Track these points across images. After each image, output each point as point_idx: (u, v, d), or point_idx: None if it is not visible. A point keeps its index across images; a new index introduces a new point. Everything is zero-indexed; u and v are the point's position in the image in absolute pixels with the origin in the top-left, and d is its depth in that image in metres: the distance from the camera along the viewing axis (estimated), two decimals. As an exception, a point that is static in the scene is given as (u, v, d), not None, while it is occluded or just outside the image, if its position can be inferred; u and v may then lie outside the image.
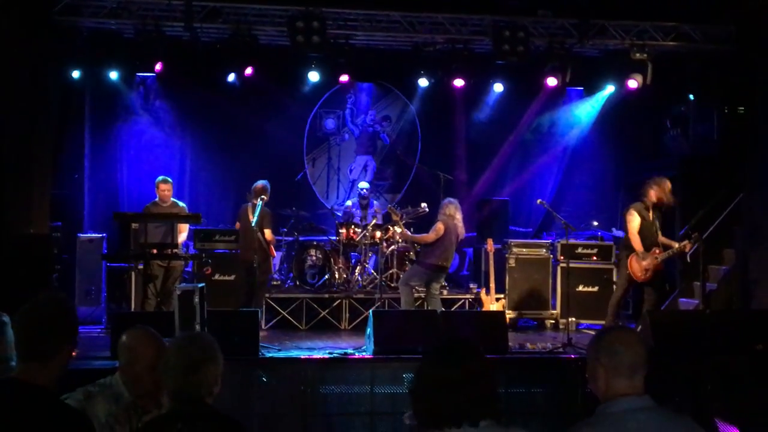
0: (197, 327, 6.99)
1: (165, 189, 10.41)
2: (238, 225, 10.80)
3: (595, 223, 13.09)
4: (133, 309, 10.27)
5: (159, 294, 9.46)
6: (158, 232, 9.90)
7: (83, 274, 11.27)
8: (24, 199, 9.93)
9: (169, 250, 9.36)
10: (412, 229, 11.33)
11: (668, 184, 9.56)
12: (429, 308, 10.25)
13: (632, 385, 3.00)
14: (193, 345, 3.31)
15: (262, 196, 10.09)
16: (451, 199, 10.62)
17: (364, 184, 13.19)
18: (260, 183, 10.31)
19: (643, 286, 9.73)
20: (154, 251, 9.28)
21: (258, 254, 10.17)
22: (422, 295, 10.64)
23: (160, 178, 10.58)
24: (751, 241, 10.30)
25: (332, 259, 11.81)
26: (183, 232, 10.43)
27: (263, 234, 10.22)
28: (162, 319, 7.81)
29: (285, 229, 12.30)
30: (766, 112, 10.18)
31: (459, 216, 10.34)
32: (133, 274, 10.45)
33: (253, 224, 9.98)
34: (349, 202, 13.36)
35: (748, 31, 10.80)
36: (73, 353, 3.35)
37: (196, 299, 7.14)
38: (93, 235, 11.57)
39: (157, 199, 10.40)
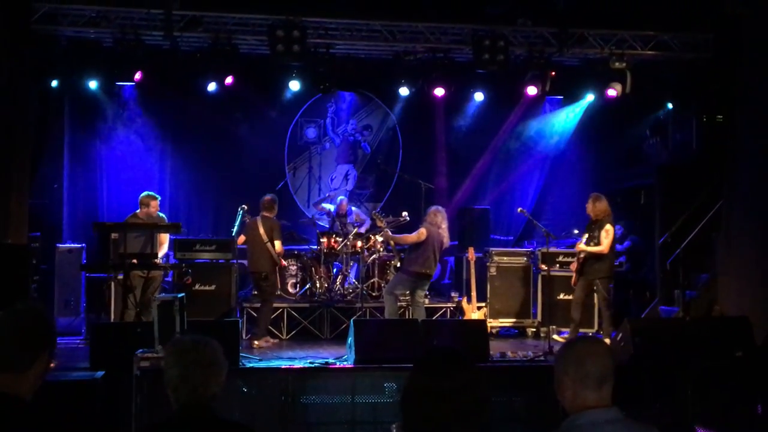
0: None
1: (155, 206, 10.23)
2: (242, 239, 10.81)
3: (576, 231, 13.08)
4: (112, 319, 10.20)
5: (138, 304, 9.38)
6: (138, 242, 9.82)
7: (62, 285, 11.16)
8: (2, 209, 9.81)
9: (149, 260, 9.30)
10: None
11: (590, 200, 10.29)
12: (414, 316, 10.27)
13: (600, 397, 2.98)
14: (206, 345, 3.25)
15: (243, 206, 10.24)
16: (438, 207, 10.63)
17: (341, 198, 13.21)
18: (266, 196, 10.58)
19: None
20: (134, 261, 9.23)
21: (265, 266, 10.36)
22: (404, 303, 10.63)
23: (151, 194, 10.36)
24: (729, 249, 10.36)
25: (313, 269, 11.79)
26: (164, 244, 10.35)
27: (273, 246, 10.27)
28: (141, 329, 7.75)
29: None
30: (744, 119, 10.25)
31: (444, 225, 10.37)
32: (112, 284, 10.37)
33: (232, 234, 10.09)
34: (330, 206, 13.31)
35: (726, 39, 10.90)
36: (52, 364, 3.30)
37: (176, 309, 7.10)
38: (72, 245, 11.48)
39: (138, 212, 10.27)
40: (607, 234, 10.03)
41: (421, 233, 10.18)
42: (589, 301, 11.11)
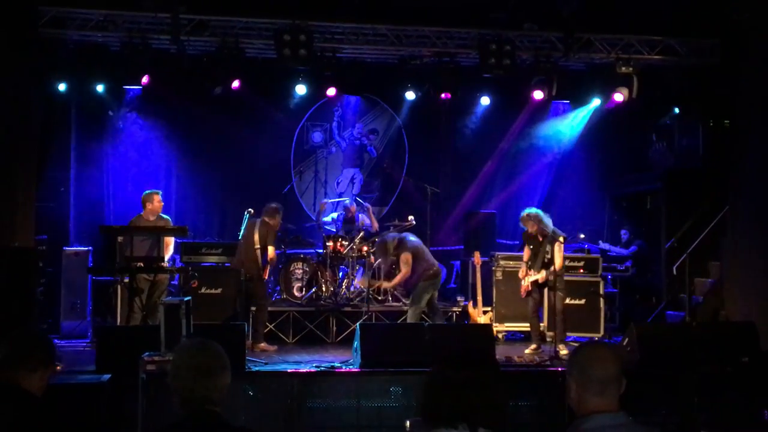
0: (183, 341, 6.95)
1: (158, 200, 10.26)
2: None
3: (582, 236, 13.08)
4: (118, 323, 10.21)
5: (145, 308, 9.39)
6: (144, 245, 9.82)
7: (68, 288, 11.18)
8: (9, 213, 9.86)
9: (155, 263, 9.31)
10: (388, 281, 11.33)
11: (529, 219, 9.98)
12: (434, 321, 10.29)
13: (604, 401, 2.99)
14: (206, 350, 3.26)
15: (249, 210, 10.23)
16: (384, 236, 10.70)
17: (347, 201, 13.20)
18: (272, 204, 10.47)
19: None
20: (140, 264, 9.24)
21: (250, 270, 10.22)
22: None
23: (152, 191, 10.40)
24: (735, 254, 10.34)
25: (319, 272, 11.79)
26: (169, 246, 10.34)
27: (265, 251, 10.22)
28: (148, 332, 7.76)
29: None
30: (750, 125, 10.24)
31: (399, 236, 10.42)
32: (118, 287, 10.36)
33: (239, 237, 10.08)
34: (328, 217, 13.30)
35: (733, 44, 10.88)
36: (58, 368, 3.48)
37: (182, 313, 7.11)
38: (78, 248, 11.49)
39: (142, 213, 10.27)
40: (560, 249, 9.83)
41: (407, 259, 10.18)
42: (594, 304, 11.11)
